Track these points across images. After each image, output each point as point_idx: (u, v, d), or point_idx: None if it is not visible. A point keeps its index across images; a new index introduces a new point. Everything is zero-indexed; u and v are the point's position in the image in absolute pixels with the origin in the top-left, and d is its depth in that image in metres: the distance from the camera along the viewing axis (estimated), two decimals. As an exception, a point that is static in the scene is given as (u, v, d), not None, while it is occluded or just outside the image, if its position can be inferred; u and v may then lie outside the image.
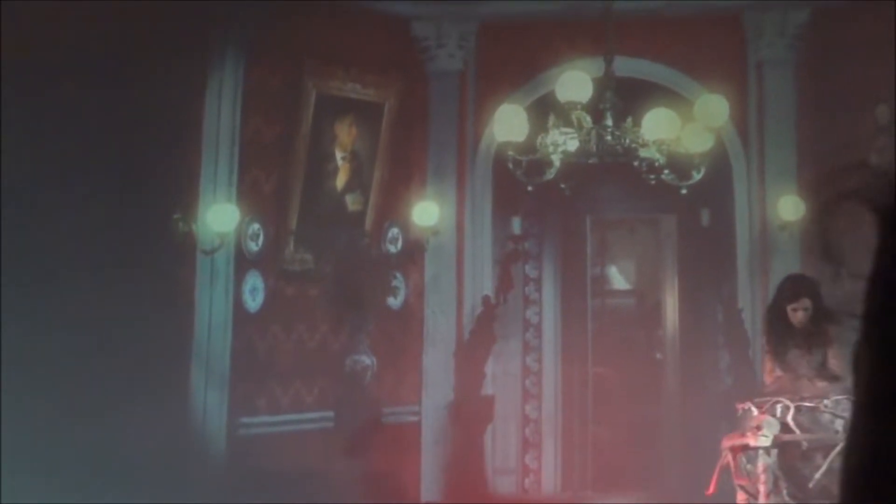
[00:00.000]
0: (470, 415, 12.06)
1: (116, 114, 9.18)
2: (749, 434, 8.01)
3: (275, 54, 10.86)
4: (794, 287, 8.77)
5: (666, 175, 9.34)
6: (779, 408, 8.06)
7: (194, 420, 10.22)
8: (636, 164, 9.33)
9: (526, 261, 13.34)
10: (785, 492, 7.93)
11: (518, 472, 12.99)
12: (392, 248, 11.96)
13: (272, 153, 11.00)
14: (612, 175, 10.42)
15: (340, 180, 11.61)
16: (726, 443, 8.28)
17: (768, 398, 8.20)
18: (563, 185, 9.55)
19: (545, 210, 13.09)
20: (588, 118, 9.19)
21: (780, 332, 8.77)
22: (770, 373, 8.78)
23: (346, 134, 11.56)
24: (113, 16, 9.09)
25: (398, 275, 12.01)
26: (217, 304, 10.40)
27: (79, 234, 8.95)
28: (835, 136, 11.17)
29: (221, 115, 10.46)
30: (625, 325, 14.74)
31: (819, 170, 11.03)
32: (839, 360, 8.46)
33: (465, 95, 12.26)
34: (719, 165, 10.72)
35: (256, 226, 10.80)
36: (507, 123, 9.26)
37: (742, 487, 8.12)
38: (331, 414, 11.21)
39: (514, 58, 12.03)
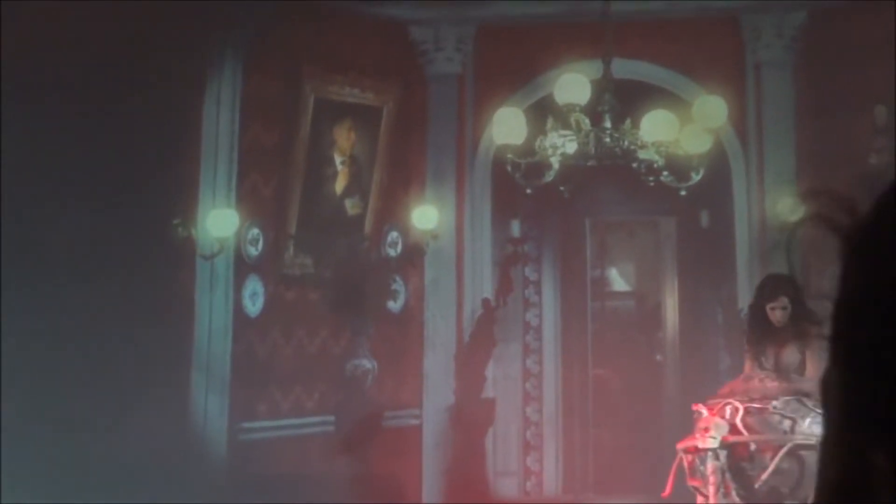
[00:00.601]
0: (471, 418, 12.06)
1: (115, 119, 9.19)
2: (698, 436, 8.03)
3: (273, 59, 10.86)
4: (773, 286, 8.80)
5: (665, 177, 9.34)
6: (728, 409, 8.08)
7: (195, 425, 10.22)
8: (635, 165, 9.33)
9: (525, 263, 13.35)
10: (734, 492, 7.94)
11: (519, 475, 13.00)
12: (392, 252, 11.96)
13: (271, 158, 11.00)
14: (611, 177, 10.43)
15: (340, 184, 11.61)
16: (679, 445, 8.31)
17: (719, 400, 8.22)
18: (562, 188, 9.55)
19: (544, 213, 13.09)
20: (587, 120, 9.19)
21: (759, 331, 8.82)
22: (748, 371, 8.82)
23: (344, 138, 11.56)
24: (111, 22, 9.10)
25: (398, 278, 12.02)
26: (217, 309, 10.41)
27: (77, 241, 8.95)
28: (833, 137, 11.18)
29: (220, 120, 10.47)
30: (625, 327, 14.74)
31: (818, 172, 11.03)
32: (816, 361, 8.49)
33: (463, 98, 12.26)
34: (718, 167, 10.73)
35: (256, 230, 10.80)
36: (506, 126, 9.25)
37: (696, 489, 8.14)
38: (332, 418, 11.22)
39: (512, 60, 12.03)
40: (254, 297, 10.79)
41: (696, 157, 9.22)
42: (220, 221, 10.20)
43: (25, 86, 8.65)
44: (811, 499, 7.80)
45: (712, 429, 7.92)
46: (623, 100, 9.49)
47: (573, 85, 9.10)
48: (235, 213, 10.38)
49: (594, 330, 13.73)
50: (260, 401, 10.79)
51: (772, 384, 8.13)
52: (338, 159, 11.57)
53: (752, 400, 8.05)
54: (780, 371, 8.63)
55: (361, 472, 10.89)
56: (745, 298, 11.49)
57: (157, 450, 9.07)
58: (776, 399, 8.02)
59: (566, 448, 13.16)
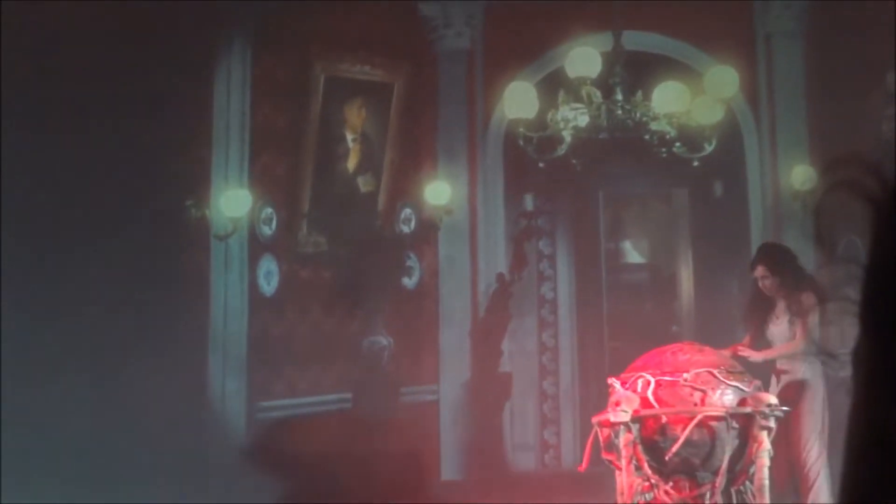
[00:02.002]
0: (488, 393, 12.08)
1: (127, 103, 9.20)
2: (610, 409, 8.05)
3: (282, 38, 10.86)
4: (754, 256, 8.93)
5: (677, 148, 9.33)
6: (639, 382, 8.09)
7: (213, 405, 10.25)
8: (647, 137, 9.32)
9: (539, 237, 13.35)
10: (646, 465, 7.96)
11: (537, 448, 13.02)
12: (405, 229, 11.96)
13: (283, 137, 11.01)
14: (624, 149, 10.41)
15: (352, 162, 11.61)
16: (594, 418, 8.34)
17: (631, 373, 8.25)
18: (574, 161, 9.55)
19: (557, 186, 13.08)
20: (598, 93, 9.18)
21: (754, 300, 8.91)
22: (747, 342, 8.86)
23: (355, 116, 11.56)
24: (122, 5, 9.10)
25: (412, 255, 12.03)
26: (232, 290, 10.42)
27: (92, 224, 8.98)
28: (845, 105, 11.15)
29: (231, 101, 10.47)
30: (640, 298, 14.74)
31: (830, 140, 11.00)
32: (805, 329, 8.56)
33: (473, 74, 12.25)
34: (730, 137, 10.71)
35: (269, 210, 10.81)
36: (517, 100, 9.25)
37: (610, 462, 8.17)
38: (349, 396, 11.24)
39: (522, 35, 12.00)
40: (268, 277, 10.80)
41: (709, 127, 9.21)
42: (233, 202, 10.21)
43: (36, 70, 8.66)
44: (723, 469, 7.84)
45: (623, 402, 7.93)
46: (634, 72, 9.48)
47: (584, 58, 9.09)
48: (248, 193, 10.39)
49: (609, 302, 13.72)
50: (277, 380, 10.81)
51: (683, 357, 8.14)
52: (349, 137, 11.57)
53: (663, 373, 8.06)
54: (773, 340, 8.72)
55: (380, 449, 10.93)
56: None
57: (176, 431, 9.11)
58: (686, 372, 8.04)
59: (584, 420, 13.17)
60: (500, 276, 12.22)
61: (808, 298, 8.57)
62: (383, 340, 11.45)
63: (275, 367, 10.78)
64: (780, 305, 8.77)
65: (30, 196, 8.70)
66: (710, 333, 9.01)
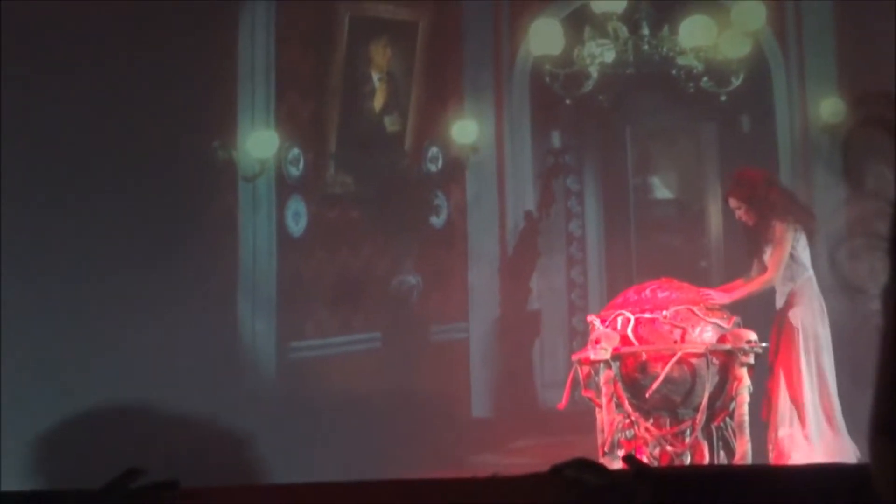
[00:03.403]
0: (517, 330, 12.10)
1: (152, 46, 9.18)
2: (590, 347, 8.05)
3: (306, -23, 10.82)
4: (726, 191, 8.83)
5: (704, 83, 9.29)
6: (619, 320, 8.08)
7: (244, 346, 10.29)
8: (674, 72, 9.29)
9: (567, 174, 13.31)
10: (627, 402, 7.97)
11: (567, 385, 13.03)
12: (433, 168, 11.94)
13: (308, 78, 10.98)
14: (651, 85, 10.37)
15: (378, 102, 11.58)
16: (574, 356, 8.34)
17: (611, 311, 8.23)
18: (601, 97, 9.52)
19: (584, 123, 13.03)
20: (624, 28, 9.14)
21: (743, 233, 8.85)
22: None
23: (381, 55, 11.52)
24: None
25: (440, 194, 12.01)
26: (261, 231, 10.44)
27: (118, 168, 8.98)
28: (874, 37, 11.04)
29: (256, 40, 10.44)
30: (668, 234, 14.69)
31: (859, 72, 10.91)
32: (776, 261, 8.44)
33: (499, 10, 12.18)
34: (758, 70, 10.64)
35: (296, 150, 10.80)
36: (543, 37, 9.21)
37: (590, 399, 8.17)
38: (378, 335, 11.27)
39: (547, -30, 11.92)
40: (297, 217, 10.80)
41: (736, 61, 9.17)
42: (259, 143, 10.22)
43: (62, 16, 8.64)
44: (703, 406, 7.83)
45: (603, 340, 7.93)
46: (660, 6, 9.42)
47: (610, -8, 9.04)
48: (275, 134, 10.39)
49: (637, 238, 13.69)
50: (307, 320, 10.84)
51: (663, 294, 8.12)
52: (375, 77, 11.54)
53: (643, 310, 8.04)
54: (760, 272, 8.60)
55: (410, 387, 10.97)
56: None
57: (207, 372, 9.15)
58: (666, 309, 8.01)
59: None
60: (527, 214, 12.20)
61: (780, 227, 8.43)
62: (412, 279, 11.47)
63: (304, 308, 10.80)
64: (756, 234, 8.63)
65: (56, 139, 8.71)
66: (739, 268, 8.96)
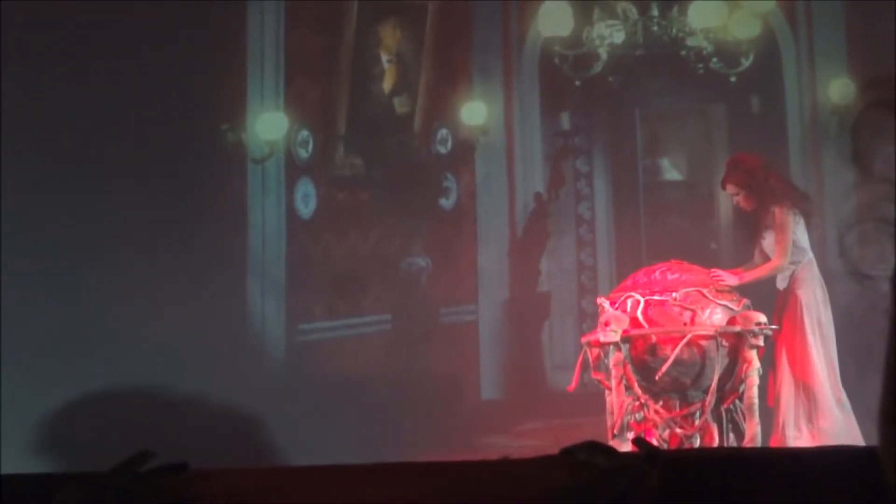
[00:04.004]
0: (526, 312, 12.09)
1: (160, 28, 9.18)
2: (599, 329, 8.03)
3: (315, -41, 10.80)
4: (722, 177, 8.72)
5: (714, 63, 9.28)
6: (629, 302, 8.07)
7: (253, 328, 10.30)
8: (684, 53, 9.28)
9: (576, 156, 13.29)
10: (636, 384, 7.96)
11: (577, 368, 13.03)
12: (442, 149, 11.93)
13: (318, 59, 10.97)
14: (660, 66, 10.35)
15: (387, 83, 11.57)
16: (583, 338, 8.33)
17: (621, 293, 8.21)
18: (610, 79, 9.51)
19: (593, 104, 13.00)
20: (634, 9, 9.13)
21: (739, 219, 8.81)
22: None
23: (390, 36, 11.50)
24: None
25: (449, 175, 12.00)
26: (270, 213, 10.44)
27: (127, 150, 8.99)
28: (884, 17, 11.01)
29: (265, 22, 10.44)
30: (678, 216, 14.68)
31: (869, 53, 10.87)
32: (775, 243, 8.39)
33: (508, -9, 12.15)
34: (767, 51, 10.61)
35: (305, 132, 10.80)
36: (552, 18, 9.20)
37: (600, 382, 8.16)
38: (388, 317, 11.27)
39: (556, -49, 11.88)
40: (306, 199, 10.81)
41: (745, 42, 9.16)
42: (269, 125, 10.22)
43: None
44: (713, 388, 7.82)
45: (612, 322, 7.92)
46: (670, -13, 9.39)
47: (619, -26, 9.02)
48: (284, 116, 10.39)
49: (647, 220, 13.68)
50: (316, 302, 10.85)
51: (672, 276, 8.10)
52: (384, 58, 11.53)
53: (652, 292, 8.03)
54: (763, 258, 8.55)
55: (419, 369, 10.98)
56: (798, 182, 11.42)
57: (217, 355, 9.16)
58: (676, 291, 8.00)
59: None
60: (537, 196, 12.19)
61: (780, 212, 8.38)
62: (421, 261, 11.47)
63: (314, 290, 10.80)
64: (755, 219, 8.56)
65: (65, 123, 8.71)
66: (749, 251, 8.93)
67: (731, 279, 8.29)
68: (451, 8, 11.83)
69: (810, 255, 8.48)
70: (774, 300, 8.60)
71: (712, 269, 8.44)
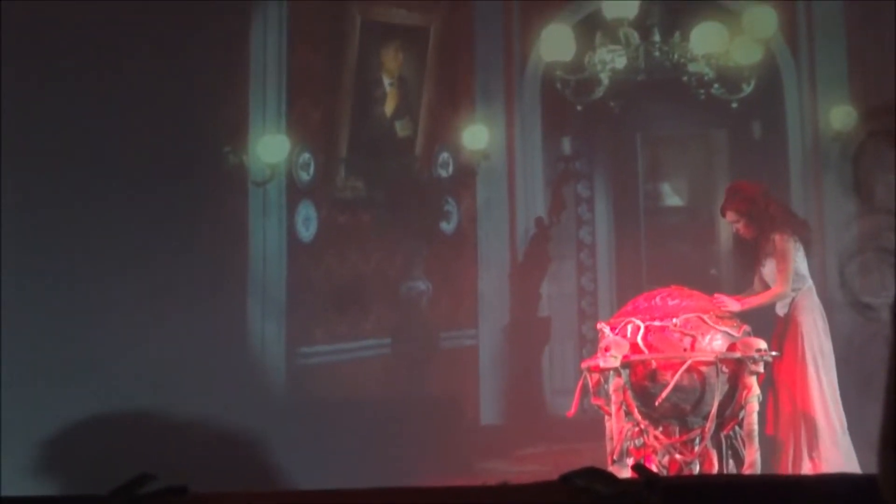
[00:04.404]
0: (527, 337, 12.09)
1: (162, 49, 9.19)
2: (599, 354, 8.03)
3: (318, -18, 10.83)
4: (723, 200, 8.68)
5: (716, 89, 9.29)
6: (629, 328, 8.05)
7: (253, 351, 10.29)
8: (685, 79, 9.28)
9: (577, 181, 13.31)
10: (636, 410, 7.94)
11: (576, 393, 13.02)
12: (443, 173, 11.95)
13: (320, 82, 10.99)
14: (662, 91, 10.36)
15: (389, 106, 11.59)
16: (583, 364, 8.32)
17: (621, 318, 8.20)
18: (612, 103, 9.52)
19: (595, 129, 13.02)
20: (635, 35, 9.15)
21: (737, 246, 8.80)
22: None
23: (392, 60, 11.53)
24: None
25: (450, 199, 12.01)
26: (271, 235, 10.45)
27: (129, 172, 8.99)
28: (885, 43, 11.03)
29: (267, 46, 10.45)
30: (678, 241, 14.69)
31: (870, 79, 10.89)
32: (777, 271, 8.37)
33: (510, 16, 12.18)
34: (769, 77, 10.63)
35: (307, 155, 10.81)
36: (554, 43, 9.22)
37: (600, 407, 8.15)
38: (388, 340, 11.26)
39: (558, -24, 11.92)
40: (307, 222, 10.81)
41: (747, 68, 9.17)
42: (270, 147, 10.23)
43: (71, 14, 8.66)
44: (713, 414, 7.80)
45: (612, 347, 7.91)
46: (671, 13, 9.43)
47: (621, -1, 9.04)
48: (286, 138, 10.40)
49: (648, 245, 13.68)
50: (316, 325, 10.84)
51: (673, 302, 8.10)
52: (386, 81, 11.55)
53: (652, 318, 8.02)
54: (762, 285, 8.53)
55: (419, 393, 10.97)
56: (799, 209, 11.43)
57: (217, 377, 9.15)
58: (676, 317, 7.99)
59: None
60: (538, 220, 12.20)
61: (780, 239, 8.37)
62: (422, 285, 11.47)
63: (314, 313, 10.80)
64: (759, 247, 8.53)
65: (66, 143, 8.72)
66: (748, 278, 8.93)
67: (733, 304, 8.27)
68: (453, 31, 11.86)
69: (810, 282, 8.47)
70: (774, 326, 8.58)
71: (715, 294, 8.43)
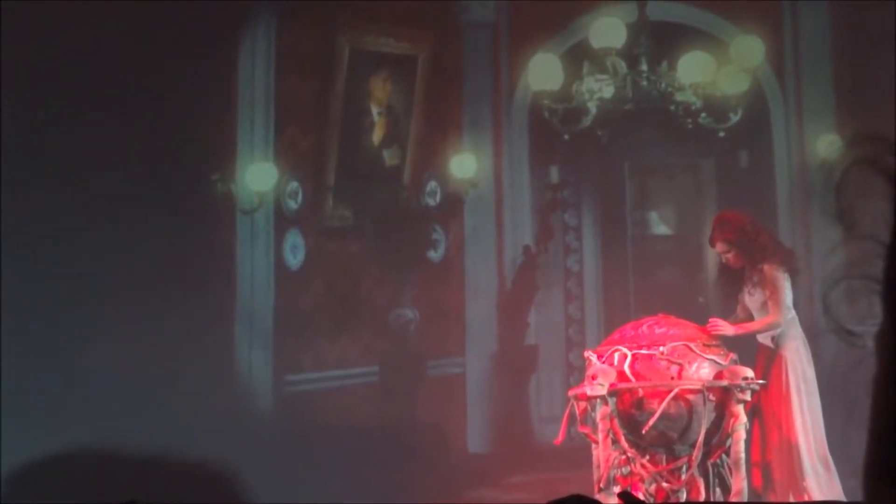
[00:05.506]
0: (514, 365, 12.08)
1: (151, 77, 9.20)
2: (586, 383, 8.03)
3: (307, 10, 10.84)
4: (711, 231, 8.67)
5: (703, 118, 9.32)
6: (616, 356, 8.05)
7: (240, 379, 10.29)
8: (672, 108, 9.31)
9: (565, 209, 13.32)
10: (623, 438, 7.94)
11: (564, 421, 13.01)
12: (431, 202, 11.95)
13: (308, 110, 11.01)
14: (649, 120, 10.39)
15: (377, 135, 11.61)
16: (570, 392, 8.32)
17: (608, 346, 8.20)
18: (599, 132, 9.54)
19: (583, 158, 13.04)
20: (623, 64, 9.17)
21: (722, 276, 8.79)
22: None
23: (380, 89, 11.55)
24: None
25: (438, 228, 12.01)
26: (258, 263, 10.45)
27: (117, 199, 9.00)
28: (872, 73, 11.08)
29: (255, 74, 10.48)
30: (666, 270, 14.70)
31: (857, 108, 10.94)
32: (769, 301, 8.35)
33: (498, 46, 12.21)
34: (756, 107, 10.66)
35: (295, 184, 10.83)
36: (542, 72, 9.24)
37: (586, 435, 8.15)
38: (375, 368, 11.26)
39: (546, 6, 11.94)
40: (294, 250, 10.82)
41: (734, 97, 9.19)
42: (258, 176, 10.24)
43: (57, 42, 8.67)
44: (700, 442, 7.80)
45: (599, 375, 7.91)
46: (659, 42, 9.45)
47: (609, 28, 9.08)
48: (274, 166, 10.41)
49: (635, 274, 13.69)
50: (304, 353, 10.84)
51: (660, 330, 8.10)
52: (374, 110, 11.57)
53: (639, 346, 8.02)
54: (745, 313, 8.53)
55: (406, 421, 10.95)
56: (786, 237, 11.46)
57: (204, 404, 9.14)
58: (663, 345, 7.99)
59: (610, 392, 13.16)
60: (526, 249, 12.21)
61: (770, 269, 8.37)
62: (409, 313, 11.47)
63: (301, 341, 10.80)
64: (751, 278, 8.52)
65: (54, 168, 8.72)
66: (731, 306, 8.94)
67: (728, 329, 8.27)
68: (441, 61, 11.88)
69: (793, 312, 8.47)
70: (756, 355, 8.58)
71: (711, 318, 8.42)
